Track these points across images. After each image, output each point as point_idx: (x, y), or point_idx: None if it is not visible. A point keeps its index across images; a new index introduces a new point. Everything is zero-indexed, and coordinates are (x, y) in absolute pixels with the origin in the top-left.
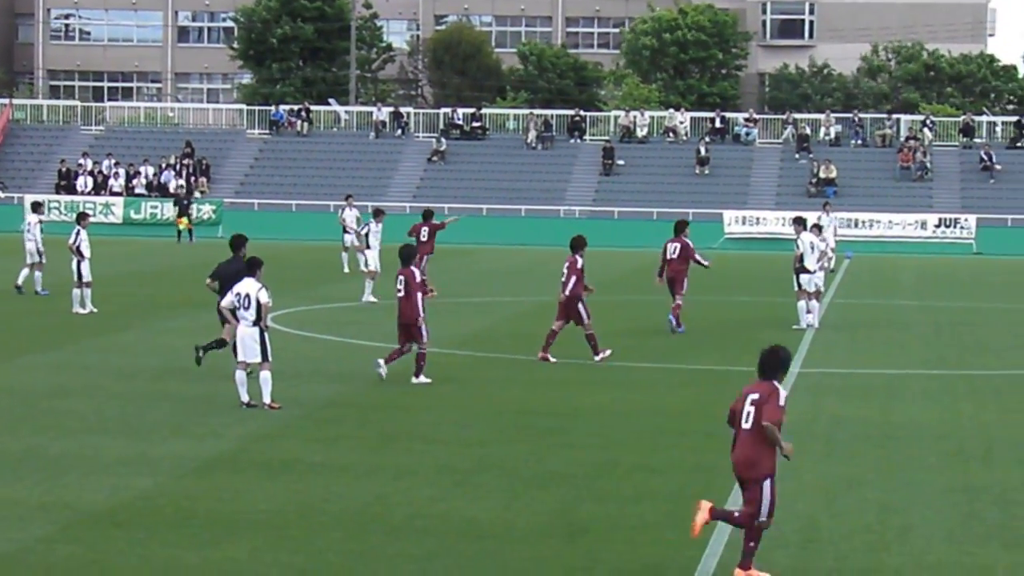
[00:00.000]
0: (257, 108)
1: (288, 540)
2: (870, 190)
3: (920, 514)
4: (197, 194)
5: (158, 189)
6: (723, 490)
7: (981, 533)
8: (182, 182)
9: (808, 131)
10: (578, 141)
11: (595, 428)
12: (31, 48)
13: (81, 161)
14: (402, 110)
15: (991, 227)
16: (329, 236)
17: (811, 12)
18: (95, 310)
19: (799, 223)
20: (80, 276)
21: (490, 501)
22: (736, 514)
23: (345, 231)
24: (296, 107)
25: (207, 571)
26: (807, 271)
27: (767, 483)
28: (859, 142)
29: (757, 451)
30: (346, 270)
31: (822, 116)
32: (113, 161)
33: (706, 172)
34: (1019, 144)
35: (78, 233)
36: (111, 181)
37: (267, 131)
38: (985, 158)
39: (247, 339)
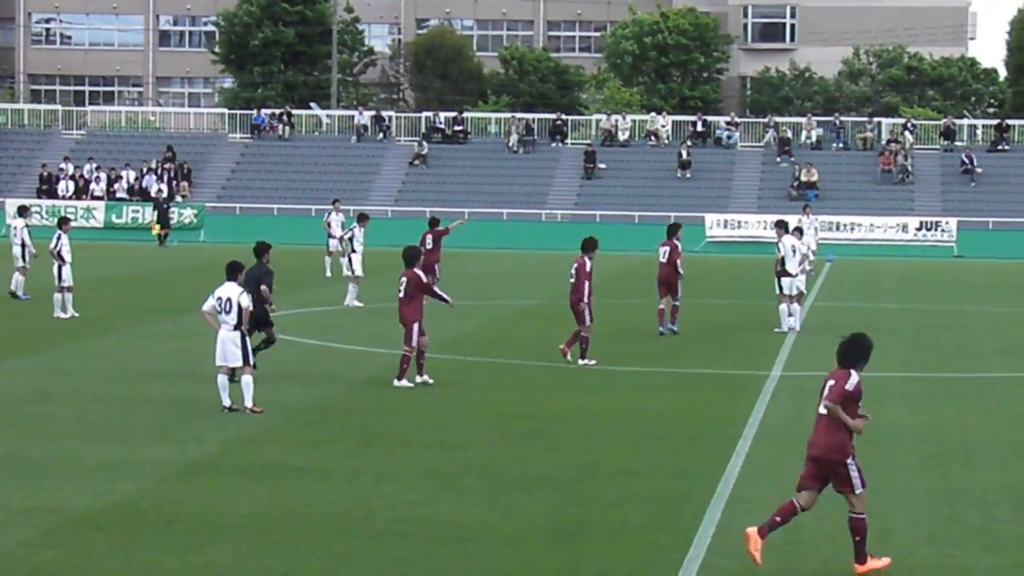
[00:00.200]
0: (239, 112)
1: (270, 544)
2: (851, 193)
3: (901, 517)
4: (179, 198)
5: (139, 193)
6: (704, 494)
7: (962, 535)
8: (163, 186)
9: (789, 134)
10: (560, 145)
11: (577, 432)
12: (12, 52)
13: (62, 165)
14: (384, 114)
15: (972, 230)
16: (311, 240)
17: (792, 16)
18: (76, 315)
19: (781, 226)
20: (61, 280)
21: (473, 505)
22: (778, 517)
23: (330, 235)
24: (278, 111)
25: (189, 575)
26: (789, 274)
27: (850, 461)
28: (840, 145)
29: (831, 435)
30: (328, 274)
31: (803, 120)
32: (95, 165)
33: (688, 176)
34: (1000, 147)
35: (59, 237)
36: (92, 185)
37: (249, 135)
38: (966, 161)
39: (228, 343)
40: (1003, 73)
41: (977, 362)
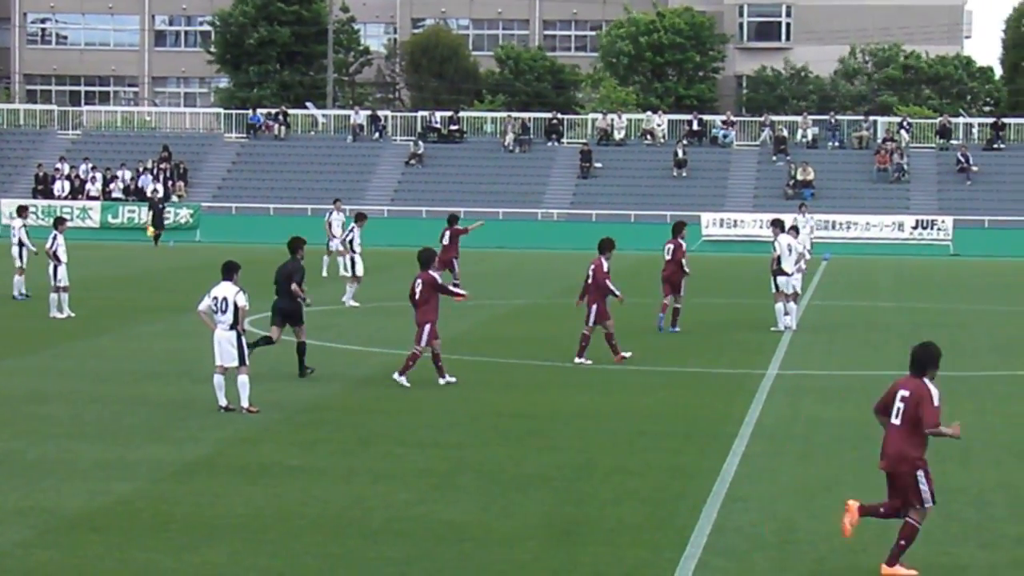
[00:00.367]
0: (234, 112)
1: (266, 544)
2: (847, 192)
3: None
4: (175, 198)
5: (135, 193)
6: (700, 493)
7: (958, 533)
8: (159, 186)
9: (785, 133)
10: (555, 144)
11: (574, 430)
12: (7, 52)
13: (58, 165)
14: (379, 113)
15: (968, 228)
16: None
17: (788, 14)
18: (72, 315)
19: (777, 225)
20: (57, 280)
21: (469, 504)
22: (883, 509)
23: (331, 235)
24: (273, 111)
25: (185, 575)
26: (785, 273)
27: (920, 474)
28: (836, 144)
29: (907, 445)
30: (324, 274)
31: (799, 118)
32: (90, 165)
33: (683, 174)
34: (995, 146)
35: (55, 238)
36: (88, 185)
37: (244, 135)
38: (962, 160)
39: (224, 343)
40: (998, 71)
41: (973, 360)
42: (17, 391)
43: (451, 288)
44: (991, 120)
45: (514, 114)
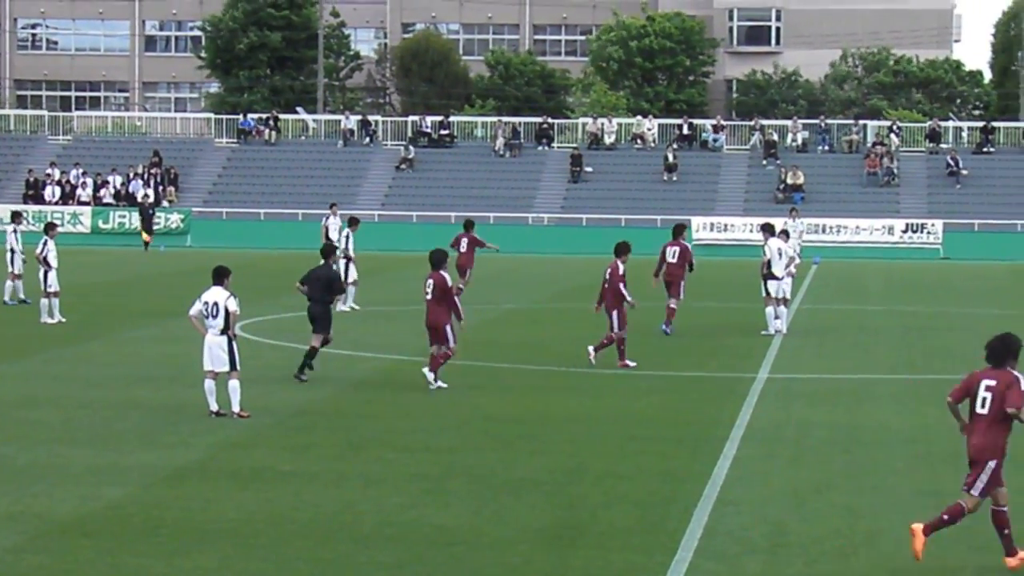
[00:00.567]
0: (225, 117)
1: (257, 549)
2: (837, 196)
3: (888, 518)
4: (165, 203)
5: (126, 199)
6: (691, 496)
7: (949, 537)
8: (149, 191)
9: (775, 137)
10: (546, 148)
11: (564, 435)
12: None
13: (49, 171)
14: (370, 118)
15: (958, 232)
16: (298, 244)
17: (778, 19)
18: (63, 320)
19: (767, 229)
20: (47, 286)
21: (460, 508)
22: (946, 517)
23: (329, 239)
24: (264, 116)
25: None
26: (775, 277)
27: (992, 463)
28: (826, 148)
29: (992, 435)
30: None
31: (789, 122)
32: (81, 171)
33: (674, 179)
34: (985, 149)
35: (45, 243)
36: (79, 191)
37: (235, 140)
38: (952, 163)
39: (215, 348)
40: (988, 75)
41: (963, 364)
42: (8, 396)
43: (457, 302)
44: (981, 124)
45: (504, 119)
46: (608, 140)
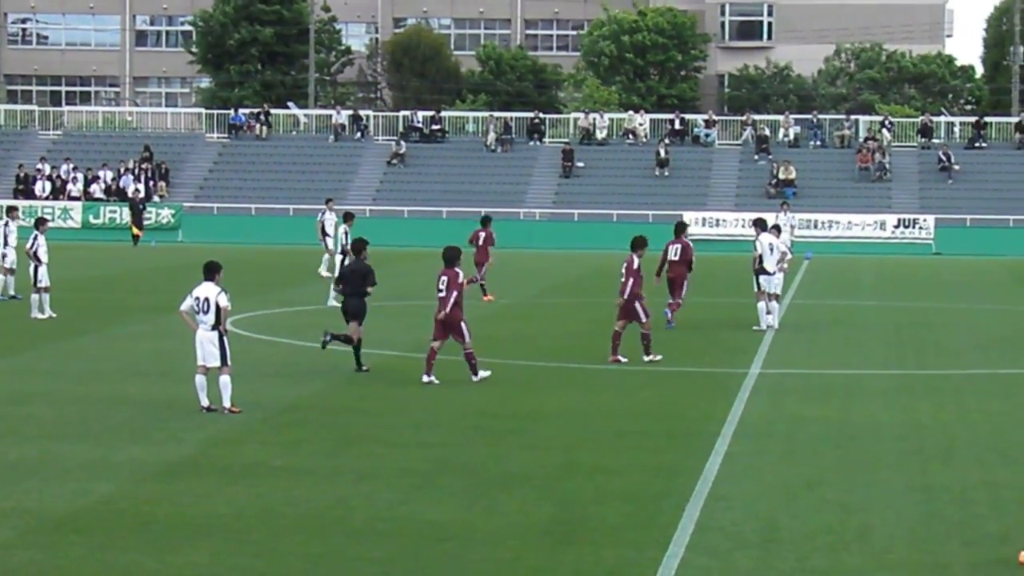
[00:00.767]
0: (216, 112)
1: (249, 544)
2: (829, 191)
3: (880, 514)
4: (156, 198)
5: (117, 194)
6: (683, 492)
7: (941, 532)
8: (140, 186)
9: (767, 132)
10: (537, 143)
11: (555, 430)
12: None
13: (39, 166)
14: (361, 113)
15: (950, 227)
16: (289, 240)
17: (770, 14)
18: (54, 315)
19: (759, 225)
20: (38, 281)
21: (451, 503)
22: None
23: (325, 234)
24: (255, 110)
25: None
26: (767, 272)
27: None
28: (818, 143)
29: None
30: (328, 273)
31: (781, 117)
32: (71, 166)
33: (666, 174)
34: (977, 144)
35: (35, 238)
36: (69, 186)
37: (226, 135)
38: (944, 158)
39: (206, 343)
40: (980, 70)
41: (955, 359)
42: None
43: (462, 296)
44: (973, 119)
45: (496, 114)
46: (600, 135)
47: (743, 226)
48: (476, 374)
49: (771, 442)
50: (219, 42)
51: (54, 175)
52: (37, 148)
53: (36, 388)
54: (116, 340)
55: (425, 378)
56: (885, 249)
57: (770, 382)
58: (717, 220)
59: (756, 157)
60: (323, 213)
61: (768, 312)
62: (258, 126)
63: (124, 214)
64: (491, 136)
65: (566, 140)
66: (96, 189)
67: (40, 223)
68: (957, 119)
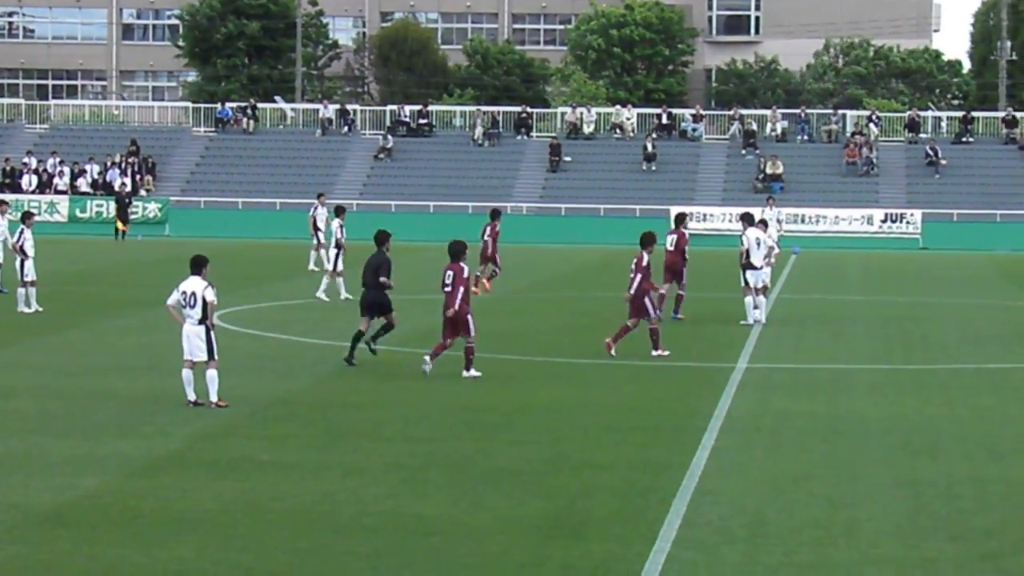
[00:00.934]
0: (203, 106)
1: (235, 539)
2: (816, 186)
3: (867, 508)
4: (143, 192)
5: (103, 187)
6: (670, 487)
7: (927, 526)
8: (126, 180)
9: (755, 127)
10: (525, 138)
11: (543, 424)
12: None
13: (26, 160)
14: (348, 107)
15: (937, 222)
16: (276, 234)
17: (757, 8)
18: (40, 309)
19: (746, 219)
20: (24, 275)
21: (438, 498)
22: None
23: (317, 228)
24: (242, 104)
25: (154, 570)
26: (754, 267)
27: None
28: (805, 138)
29: None
30: (314, 267)
31: (768, 112)
32: (58, 159)
33: (653, 168)
34: (964, 139)
35: (22, 232)
36: (56, 180)
37: (213, 129)
38: (931, 153)
39: (193, 337)
40: (967, 65)
41: (942, 354)
42: None
43: (469, 290)
44: (960, 114)
45: (483, 108)
46: (587, 129)
47: (730, 221)
48: (468, 370)
49: (758, 437)
50: (206, 36)
51: (40, 169)
52: (23, 142)
53: (22, 382)
54: (102, 334)
55: (426, 362)
56: (872, 244)
57: (757, 377)
58: (704, 215)
59: (743, 152)
60: (315, 208)
61: (755, 307)
62: (245, 120)
63: (111, 208)
64: (478, 130)
65: (553, 134)
66: (83, 183)
67: (26, 217)
68: (944, 114)
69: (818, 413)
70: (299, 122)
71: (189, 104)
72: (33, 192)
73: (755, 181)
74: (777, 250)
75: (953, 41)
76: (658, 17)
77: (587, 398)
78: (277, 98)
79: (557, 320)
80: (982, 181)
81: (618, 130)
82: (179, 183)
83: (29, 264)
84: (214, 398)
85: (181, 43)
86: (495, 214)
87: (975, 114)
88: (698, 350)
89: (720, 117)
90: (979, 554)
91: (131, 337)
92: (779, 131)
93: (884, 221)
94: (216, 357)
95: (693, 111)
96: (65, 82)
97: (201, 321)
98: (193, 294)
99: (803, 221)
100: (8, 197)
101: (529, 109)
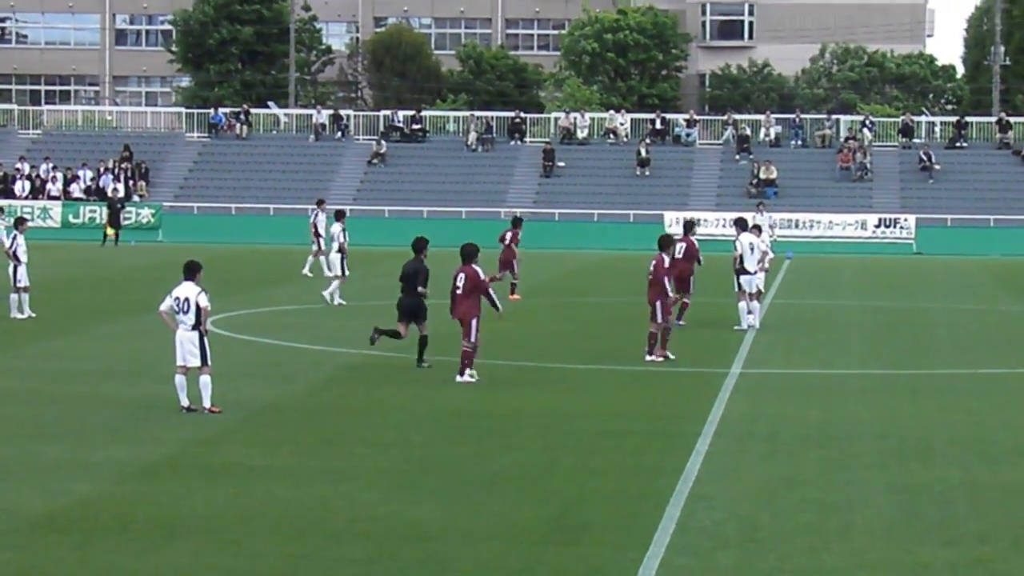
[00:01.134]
0: (196, 111)
1: (228, 544)
2: (810, 191)
3: (860, 513)
4: (136, 198)
5: (96, 193)
6: (663, 492)
7: (920, 531)
8: (119, 186)
9: (748, 132)
10: (518, 143)
11: (536, 430)
12: None
13: (18, 165)
14: (342, 112)
15: (931, 227)
16: (270, 239)
17: (751, 13)
18: (33, 315)
19: (739, 224)
20: (17, 281)
21: (432, 504)
22: None
23: (318, 235)
24: (235, 110)
25: None
26: (747, 272)
27: None
28: (799, 143)
29: None
30: (308, 273)
31: (762, 117)
32: (51, 165)
33: (646, 173)
34: (958, 144)
35: (15, 238)
36: (49, 185)
37: (206, 134)
38: (924, 158)
39: (186, 343)
40: (960, 70)
41: (936, 358)
42: None
43: (492, 294)
44: (953, 119)
45: (477, 113)
46: (580, 135)
47: (724, 226)
48: (462, 374)
49: (752, 442)
50: (199, 41)
51: (33, 174)
52: (16, 147)
53: (15, 388)
54: (96, 340)
55: (459, 378)
56: (866, 249)
57: (751, 382)
58: (698, 220)
59: (737, 157)
60: (316, 214)
61: (749, 312)
62: (238, 125)
63: (104, 214)
64: (472, 136)
65: (547, 140)
66: (76, 189)
67: (19, 223)
68: (938, 119)
69: (812, 418)
70: (292, 127)
71: (182, 109)
72: (26, 198)
73: (749, 186)
74: (771, 255)
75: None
76: (652, 22)
77: (581, 403)
78: (270, 103)
79: (551, 325)
80: (976, 186)
81: (612, 135)
82: (172, 189)
83: (22, 270)
84: (207, 404)
85: (174, 48)
86: (517, 221)
87: (969, 119)
88: (692, 355)
89: (714, 122)
90: (972, 559)
91: (124, 343)
92: (773, 136)
93: (878, 226)
94: (209, 363)
95: (687, 116)
96: (58, 87)
97: (194, 327)
98: (187, 300)
99: (797, 226)
100: (1, 203)
101: (523, 114)
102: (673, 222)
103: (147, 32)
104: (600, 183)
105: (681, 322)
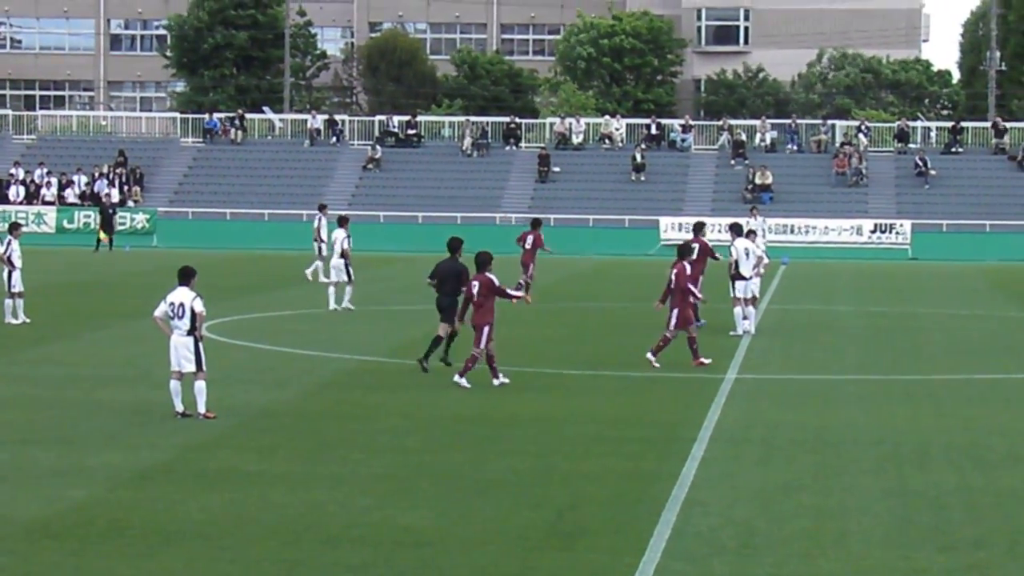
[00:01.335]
0: (191, 116)
1: (223, 550)
2: (806, 196)
3: (856, 519)
4: (131, 203)
5: (91, 198)
6: (659, 497)
7: (916, 537)
8: (113, 191)
9: (744, 137)
10: (514, 148)
11: (531, 435)
12: None
13: (13, 170)
14: (337, 118)
15: (926, 232)
16: (264, 244)
17: (746, 18)
18: (28, 320)
19: (734, 230)
20: (11, 286)
21: (427, 509)
22: None
23: (321, 240)
24: (230, 115)
25: None
26: (743, 277)
27: None
28: (794, 148)
29: None
30: (310, 277)
31: (758, 122)
32: (45, 170)
33: (642, 179)
34: (953, 149)
35: (9, 243)
36: (43, 190)
37: (201, 139)
38: (920, 164)
39: (181, 348)
40: (956, 75)
41: (931, 364)
42: None
43: (508, 290)
44: (949, 124)
45: (472, 118)
46: (576, 140)
47: (719, 231)
48: (462, 376)
49: (748, 447)
50: (194, 46)
51: (28, 180)
52: (11, 152)
53: (9, 393)
54: (90, 345)
55: (495, 381)
56: (862, 254)
57: (747, 387)
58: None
59: (732, 162)
60: (319, 219)
61: (744, 317)
62: (233, 131)
63: (98, 219)
64: (467, 141)
65: (542, 145)
66: (70, 194)
67: (14, 228)
68: (934, 124)
69: (807, 423)
70: (287, 133)
71: (177, 115)
72: (20, 203)
73: (744, 191)
74: (766, 260)
75: (942, 51)
76: (647, 27)
77: (576, 409)
78: (265, 109)
79: (546, 331)
80: (971, 191)
81: (607, 140)
82: (167, 194)
83: (16, 275)
84: (202, 409)
85: (169, 53)
86: (536, 223)
87: (964, 124)
88: (687, 360)
89: (709, 127)
90: (968, 564)
91: (119, 348)
92: (768, 141)
93: (873, 231)
94: (204, 368)
95: (682, 121)
96: (52, 92)
97: (189, 332)
98: (182, 305)
99: (792, 231)
100: None
101: (518, 119)
102: (668, 228)
103: (142, 37)
104: (595, 188)
105: (702, 321)
